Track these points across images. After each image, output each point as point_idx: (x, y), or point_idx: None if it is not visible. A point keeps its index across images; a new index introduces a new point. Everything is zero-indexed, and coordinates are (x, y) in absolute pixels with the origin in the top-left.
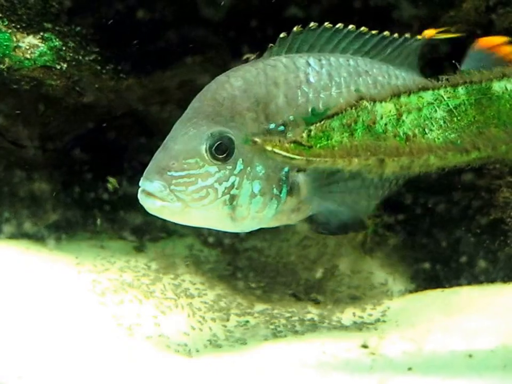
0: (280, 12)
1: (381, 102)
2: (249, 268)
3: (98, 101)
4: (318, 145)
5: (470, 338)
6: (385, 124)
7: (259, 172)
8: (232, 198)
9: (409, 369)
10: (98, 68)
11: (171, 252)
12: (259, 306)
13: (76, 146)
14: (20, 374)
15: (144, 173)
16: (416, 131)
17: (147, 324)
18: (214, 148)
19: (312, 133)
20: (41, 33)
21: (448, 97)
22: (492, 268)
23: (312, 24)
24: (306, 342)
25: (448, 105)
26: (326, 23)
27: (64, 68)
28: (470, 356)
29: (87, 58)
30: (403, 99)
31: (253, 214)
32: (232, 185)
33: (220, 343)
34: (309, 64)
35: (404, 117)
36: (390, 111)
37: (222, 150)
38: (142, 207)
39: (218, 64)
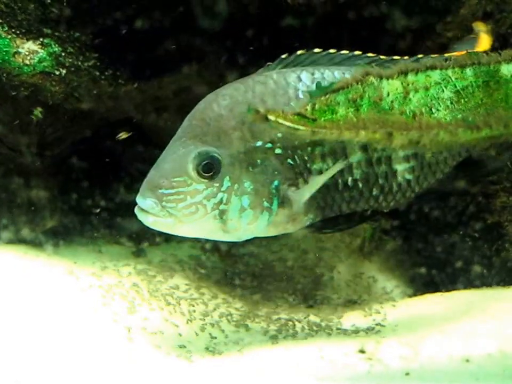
0: (276, 21)
1: (387, 78)
2: (247, 273)
3: (96, 107)
4: (323, 119)
5: (468, 343)
6: (392, 101)
7: (247, 187)
8: (222, 212)
9: (407, 374)
10: (97, 73)
11: (170, 256)
12: (258, 311)
13: (73, 153)
14: (17, 378)
15: (140, 190)
16: (423, 110)
17: (147, 328)
18: (200, 166)
19: (317, 106)
20: (41, 39)
21: (456, 78)
22: (487, 272)
23: (300, 52)
24: (305, 346)
25: (456, 86)
26: (315, 49)
27: (63, 74)
28: (468, 360)
29: (86, 64)
30: (410, 77)
31: (245, 226)
32: (221, 201)
33: (220, 347)
34: (300, 79)
35: (410, 95)
36: (397, 89)
37: (208, 169)
38: None
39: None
